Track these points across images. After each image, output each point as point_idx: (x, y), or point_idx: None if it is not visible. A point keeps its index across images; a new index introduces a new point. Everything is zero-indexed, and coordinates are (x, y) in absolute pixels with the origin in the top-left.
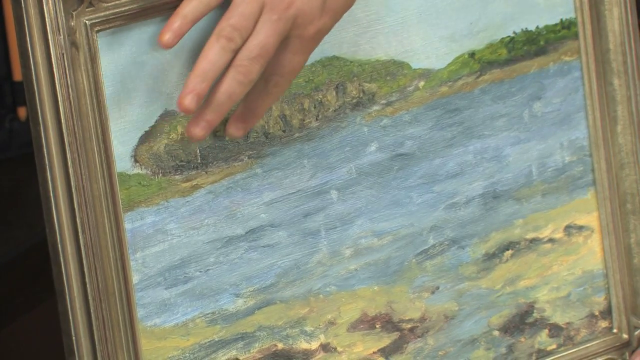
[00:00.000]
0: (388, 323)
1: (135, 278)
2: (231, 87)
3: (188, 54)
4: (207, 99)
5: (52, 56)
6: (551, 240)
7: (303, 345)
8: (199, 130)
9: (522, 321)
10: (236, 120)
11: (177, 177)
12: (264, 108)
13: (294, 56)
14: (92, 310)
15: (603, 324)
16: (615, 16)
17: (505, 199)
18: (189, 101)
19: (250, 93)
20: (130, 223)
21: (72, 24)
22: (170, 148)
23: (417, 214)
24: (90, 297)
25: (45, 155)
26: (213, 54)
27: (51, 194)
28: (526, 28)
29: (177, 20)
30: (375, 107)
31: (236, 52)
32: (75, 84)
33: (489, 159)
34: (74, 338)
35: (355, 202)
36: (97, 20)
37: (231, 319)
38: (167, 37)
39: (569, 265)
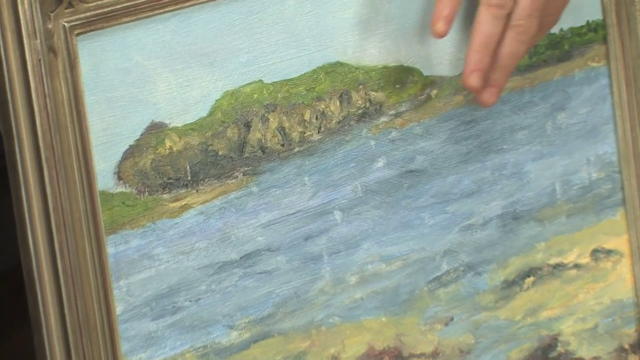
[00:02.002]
0: (397, 358)
1: (118, 308)
2: (513, 47)
3: (176, 61)
4: (493, 63)
5: (28, 62)
6: (577, 265)
7: None
8: (492, 97)
9: (545, 355)
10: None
11: (165, 196)
12: (526, 51)
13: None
14: (71, 343)
15: (633, 358)
16: None
17: (526, 220)
18: (475, 80)
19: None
20: (113, 247)
21: (50, 26)
22: (158, 164)
23: (429, 237)
24: (69, 329)
25: (20, 171)
26: (487, 26)
27: (26, 215)
28: (549, 31)
29: (447, 6)
30: (383, 119)
31: (509, 14)
32: (53, 93)
33: (508, 176)
34: None
35: (361, 223)
36: (77, 23)
37: (224, 353)
38: (440, 26)
39: (596, 294)
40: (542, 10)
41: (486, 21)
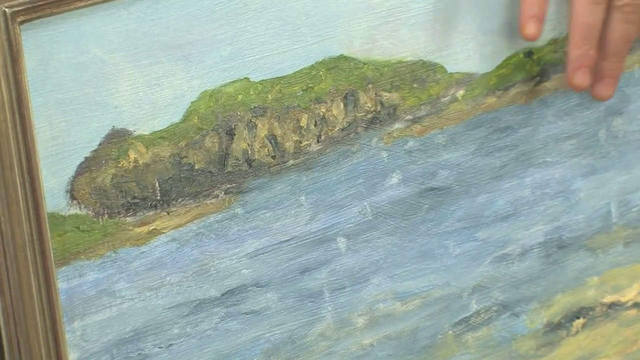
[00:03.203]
0: None
1: (72, 356)
2: (625, 30)
3: (142, 54)
4: (602, 52)
5: None
6: (637, 305)
7: None
8: (606, 89)
9: None
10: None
11: (128, 219)
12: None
13: None
14: None
15: None
16: None
17: (575, 250)
18: (581, 79)
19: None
20: (65, 282)
21: None
22: (120, 180)
23: (455, 270)
24: None
25: None
26: (586, 15)
27: None
28: None
29: (535, 2)
30: (398, 125)
31: None
32: None
33: (552, 196)
34: None
35: (371, 253)
36: (20, 8)
37: None
38: (531, 28)
39: None
40: None
41: (583, 9)
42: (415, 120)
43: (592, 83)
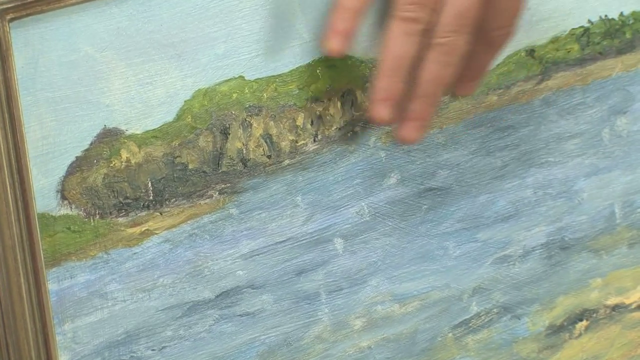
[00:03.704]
0: None
1: (63, 358)
2: (437, 71)
3: (135, 52)
4: (413, 91)
5: None
6: None
7: None
8: (412, 133)
9: None
10: (461, 80)
11: (120, 219)
12: (490, 62)
13: (510, 1)
14: None
15: None
16: None
17: (578, 251)
18: (381, 111)
19: (471, 53)
20: (55, 283)
21: None
22: (112, 180)
23: (455, 271)
24: None
25: None
26: (397, 45)
27: None
28: (606, 15)
29: (345, 19)
30: (396, 125)
31: (428, 30)
32: None
33: (554, 196)
34: None
35: (369, 254)
36: (9, 5)
37: None
38: (334, 43)
39: None
40: (474, 23)
41: (396, 38)
42: None
43: (398, 122)
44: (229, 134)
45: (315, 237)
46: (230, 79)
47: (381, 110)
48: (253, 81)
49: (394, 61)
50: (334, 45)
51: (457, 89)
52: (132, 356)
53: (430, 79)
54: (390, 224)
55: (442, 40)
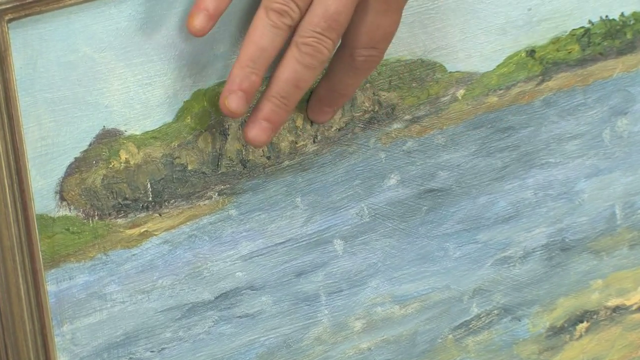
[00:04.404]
0: None
1: None
2: (297, 72)
3: (134, 53)
4: (266, 89)
5: None
6: None
7: None
8: (259, 134)
9: None
10: (319, 102)
11: (119, 221)
12: (353, 88)
13: (382, 18)
14: None
15: None
16: None
17: (578, 252)
18: (234, 102)
19: (333, 69)
20: (54, 284)
21: None
22: (110, 181)
23: (455, 273)
24: None
25: None
26: (261, 35)
27: None
28: (607, 16)
29: None
30: (396, 125)
31: (294, 26)
32: None
33: (555, 197)
34: None
35: (368, 255)
36: (8, 6)
37: None
38: (196, 21)
39: None
40: (343, 29)
41: (261, 29)
42: (414, 121)
43: (247, 120)
44: (229, 135)
45: (315, 239)
46: None
47: (233, 102)
48: None
49: (256, 51)
50: (196, 23)
51: (311, 112)
52: (131, 358)
53: (288, 79)
54: (390, 225)
55: (307, 40)
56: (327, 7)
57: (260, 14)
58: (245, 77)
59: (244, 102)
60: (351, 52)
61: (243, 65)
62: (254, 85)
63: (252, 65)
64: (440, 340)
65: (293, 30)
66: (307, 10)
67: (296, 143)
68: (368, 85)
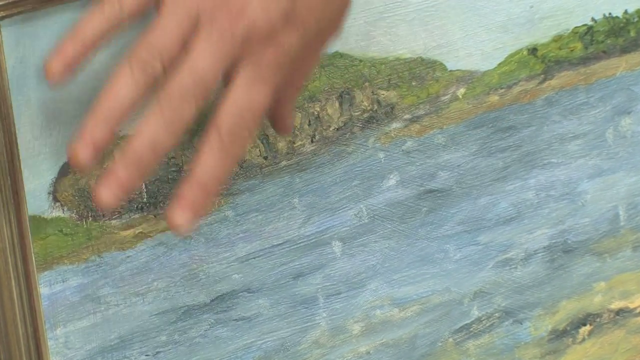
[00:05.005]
0: None
1: None
2: (156, 134)
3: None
4: (123, 150)
5: None
6: None
7: None
8: (108, 195)
9: None
10: (178, 208)
11: (113, 222)
12: (221, 176)
13: (251, 90)
14: None
15: None
16: None
17: (581, 254)
18: (81, 153)
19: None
20: (47, 287)
21: None
22: None
23: (456, 275)
24: None
25: None
26: (120, 87)
27: None
28: (610, 14)
29: (71, 45)
30: (396, 125)
31: (156, 83)
32: None
33: (557, 198)
34: None
35: (367, 257)
36: (0, 4)
37: None
38: (54, 66)
39: None
40: (208, 96)
41: (121, 80)
42: (413, 120)
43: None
44: None
45: (313, 240)
46: None
47: (78, 153)
48: None
49: (112, 102)
50: (80, 157)
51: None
52: None
53: (146, 141)
54: (390, 226)
55: (168, 101)
56: (193, 67)
57: (123, 64)
58: (96, 128)
59: (92, 156)
60: (216, 126)
61: (97, 115)
62: (105, 138)
63: (106, 118)
64: (440, 344)
65: (154, 86)
66: (172, 67)
67: (293, 143)
68: (367, 84)
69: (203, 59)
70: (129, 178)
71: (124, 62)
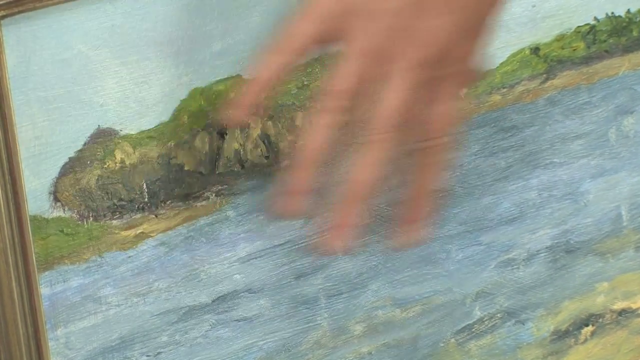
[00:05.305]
0: None
1: None
2: (369, 173)
3: (129, 50)
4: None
5: None
6: None
7: None
8: (342, 242)
9: None
10: (403, 222)
11: (114, 222)
12: (429, 190)
13: (446, 106)
14: None
15: None
16: None
17: (584, 254)
18: (295, 206)
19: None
20: (48, 287)
21: None
22: (106, 181)
23: (458, 275)
24: None
25: None
26: (317, 138)
27: None
28: (612, 13)
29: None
30: None
31: (351, 124)
32: None
33: (559, 198)
34: None
35: (369, 257)
36: (1, 3)
37: None
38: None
39: None
40: (412, 124)
41: (316, 132)
42: None
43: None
44: (226, 135)
45: (314, 240)
46: (227, 78)
47: (293, 205)
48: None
49: (312, 154)
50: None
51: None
52: None
53: (361, 181)
54: (391, 226)
55: (372, 139)
56: (389, 103)
57: (316, 114)
58: (304, 180)
59: (305, 205)
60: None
61: (302, 167)
62: (312, 186)
63: (310, 168)
64: (442, 344)
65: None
66: (364, 105)
67: (295, 142)
68: None
69: (396, 91)
70: (355, 219)
71: (317, 111)
